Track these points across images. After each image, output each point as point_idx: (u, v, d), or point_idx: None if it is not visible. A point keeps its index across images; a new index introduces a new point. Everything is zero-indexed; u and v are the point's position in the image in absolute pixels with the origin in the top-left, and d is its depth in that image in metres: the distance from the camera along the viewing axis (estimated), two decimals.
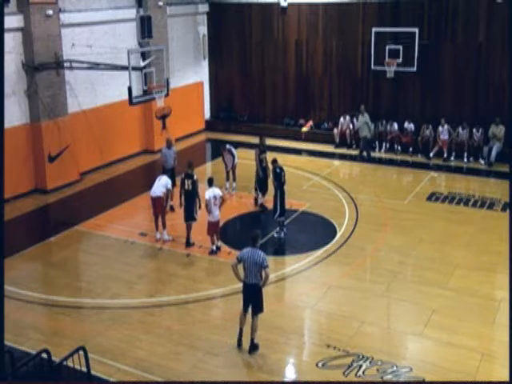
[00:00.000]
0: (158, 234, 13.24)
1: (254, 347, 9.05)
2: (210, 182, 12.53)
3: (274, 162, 13.63)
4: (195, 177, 12.81)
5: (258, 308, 9.08)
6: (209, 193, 12.29)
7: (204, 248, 12.78)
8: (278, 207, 13.20)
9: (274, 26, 21.78)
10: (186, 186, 12.69)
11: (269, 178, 14.66)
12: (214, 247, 12.58)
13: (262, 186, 15.03)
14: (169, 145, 15.42)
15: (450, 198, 15.76)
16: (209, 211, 12.29)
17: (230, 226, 14.08)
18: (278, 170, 13.38)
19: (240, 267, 9.08)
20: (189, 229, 12.83)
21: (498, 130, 18.16)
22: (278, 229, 13.40)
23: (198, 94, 22.94)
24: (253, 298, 9.05)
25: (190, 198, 12.74)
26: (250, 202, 15.38)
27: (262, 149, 15.14)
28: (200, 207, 12.83)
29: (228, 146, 16.11)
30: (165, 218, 13.17)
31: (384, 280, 11.36)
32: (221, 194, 12.51)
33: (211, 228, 12.48)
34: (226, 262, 12.10)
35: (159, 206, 13.03)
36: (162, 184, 13.03)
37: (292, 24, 21.39)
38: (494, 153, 18.14)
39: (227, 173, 16.08)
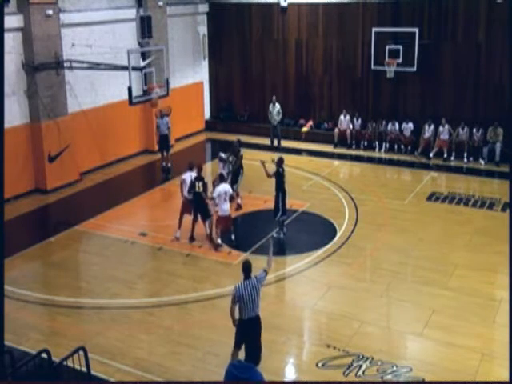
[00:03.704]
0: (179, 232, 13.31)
1: None
2: (222, 178, 12.94)
3: (280, 162, 13.30)
4: (206, 179, 13.13)
5: (258, 347, 8.13)
6: (219, 188, 12.54)
7: (204, 248, 12.80)
8: (281, 207, 13.19)
9: (274, 26, 21.77)
10: (197, 188, 12.83)
11: (240, 175, 15.18)
12: (219, 240, 12.71)
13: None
14: (162, 115, 17.77)
15: (449, 198, 15.75)
16: (217, 205, 12.53)
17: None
18: (280, 170, 13.27)
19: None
20: (210, 225, 12.94)
21: (497, 133, 18.15)
22: (277, 229, 13.39)
23: (197, 94, 22.93)
24: (253, 333, 8.19)
25: (201, 198, 12.86)
26: (250, 203, 15.37)
27: (233, 150, 15.27)
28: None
29: (221, 155, 15.98)
30: None
31: (384, 280, 11.36)
32: (231, 191, 12.84)
33: (221, 222, 12.64)
34: (226, 262, 12.18)
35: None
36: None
37: (292, 24, 21.38)
38: (497, 152, 18.13)
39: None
